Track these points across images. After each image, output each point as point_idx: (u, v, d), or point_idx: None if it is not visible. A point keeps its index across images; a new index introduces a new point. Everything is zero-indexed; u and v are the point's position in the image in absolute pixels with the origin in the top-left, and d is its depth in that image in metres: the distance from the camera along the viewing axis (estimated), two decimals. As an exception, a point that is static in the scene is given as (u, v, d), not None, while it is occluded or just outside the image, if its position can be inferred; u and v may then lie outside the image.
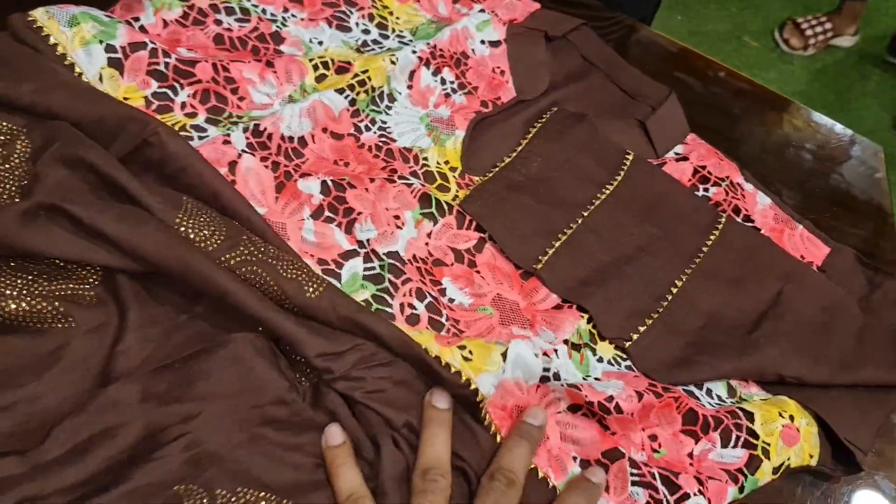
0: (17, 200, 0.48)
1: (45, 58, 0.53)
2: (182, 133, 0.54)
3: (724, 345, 0.55)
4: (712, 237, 0.61)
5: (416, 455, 0.45)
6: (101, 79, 0.54)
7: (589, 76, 0.71)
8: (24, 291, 0.45)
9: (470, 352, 0.48)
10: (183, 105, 0.56)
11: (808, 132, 0.75)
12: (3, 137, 0.50)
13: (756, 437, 0.50)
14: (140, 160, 0.50)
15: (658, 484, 0.48)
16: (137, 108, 0.52)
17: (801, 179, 0.71)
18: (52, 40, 0.53)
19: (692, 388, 0.54)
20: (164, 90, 0.55)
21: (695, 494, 0.48)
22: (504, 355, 0.49)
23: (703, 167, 0.66)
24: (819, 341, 0.56)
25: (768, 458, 0.50)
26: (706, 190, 0.65)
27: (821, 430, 0.53)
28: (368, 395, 0.45)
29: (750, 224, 0.63)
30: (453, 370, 0.46)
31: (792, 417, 0.52)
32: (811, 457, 0.52)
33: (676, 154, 0.67)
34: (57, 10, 0.54)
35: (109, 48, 0.54)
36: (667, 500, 0.48)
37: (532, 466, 0.47)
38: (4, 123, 0.50)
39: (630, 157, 0.64)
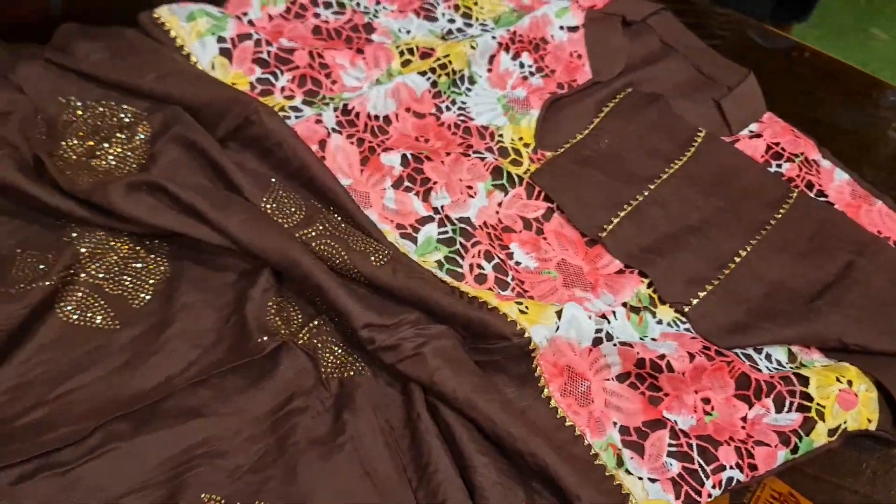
0: None
1: (167, 49, 0.61)
2: (280, 113, 0.60)
3: (786, 311, 0.56)
4: (782, 210, 0.62)
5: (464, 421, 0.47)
6: (213, 66, 0.62)
7: (666, 59, 0.73)
8: None
9: (526, 307, 0.52)
10: (282, 89, 0.63)
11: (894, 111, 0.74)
12: (127, 120, 0.58)
13: (810, 399, 0.51)
14: (243, 136, 0.57)
15: (694, 454, 0.50)
16: (242, 91, 0.59)
17: (884, 156, 0.70)
18: (172, 34, 0.62)
19: (750, 351, 0.56)
20: (266, 76, 0.63)
21: (731, 468, 0.49)
22: (559, 314, 0.52)
23: (777, 143, 0.66)
24: (888, 313, 0.56)
25: (823, 420, 0.51)
26: (779, 166, 0.65)
27: (882, 396, 0.54)
28: (402, 362, 0.49)
29: (824, 199, 0.64)
30: (509, 319, 0.50)
31: (850, 382, 0.53)
32: (869, 421, 0.53)
33: (751, 132, 0.68)
34: (178, 8, 0.63)
35: (221, 39, 0.62)
36: (702, 469, 0.49)
37: (570, 423, 0.50)
38: (130, 108, 0.59)
39: (702, 134, 0.65)
